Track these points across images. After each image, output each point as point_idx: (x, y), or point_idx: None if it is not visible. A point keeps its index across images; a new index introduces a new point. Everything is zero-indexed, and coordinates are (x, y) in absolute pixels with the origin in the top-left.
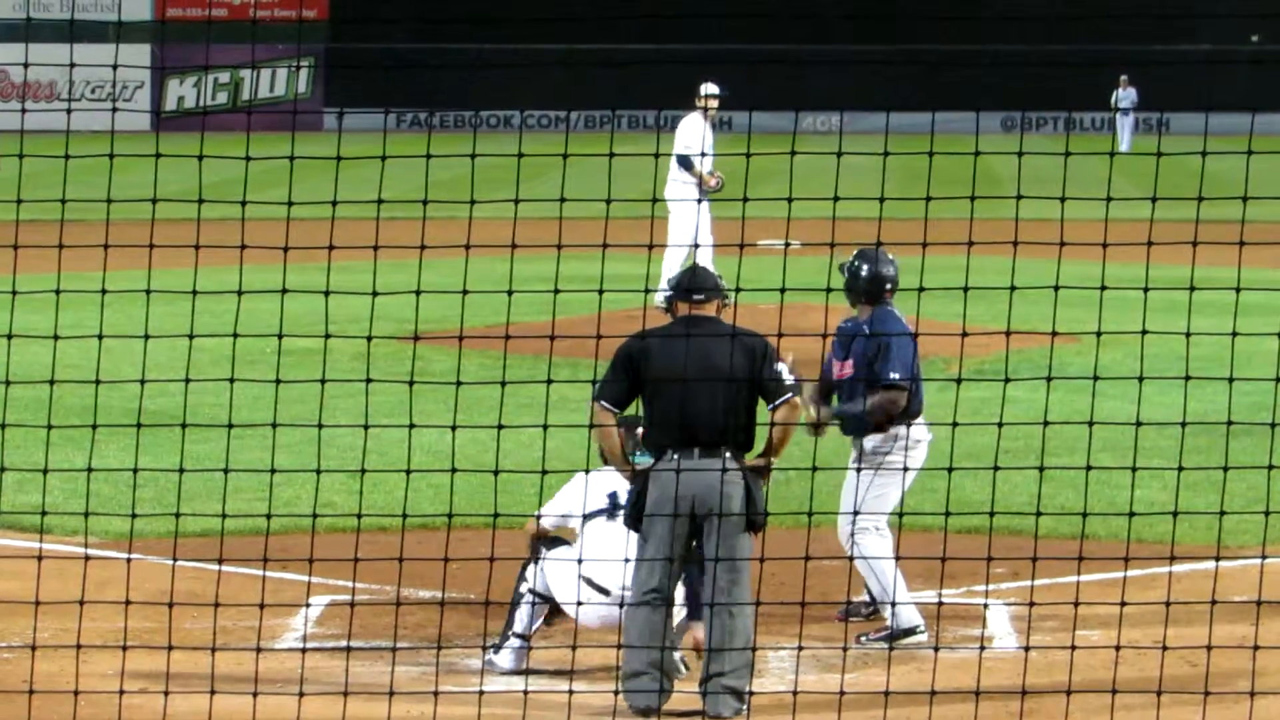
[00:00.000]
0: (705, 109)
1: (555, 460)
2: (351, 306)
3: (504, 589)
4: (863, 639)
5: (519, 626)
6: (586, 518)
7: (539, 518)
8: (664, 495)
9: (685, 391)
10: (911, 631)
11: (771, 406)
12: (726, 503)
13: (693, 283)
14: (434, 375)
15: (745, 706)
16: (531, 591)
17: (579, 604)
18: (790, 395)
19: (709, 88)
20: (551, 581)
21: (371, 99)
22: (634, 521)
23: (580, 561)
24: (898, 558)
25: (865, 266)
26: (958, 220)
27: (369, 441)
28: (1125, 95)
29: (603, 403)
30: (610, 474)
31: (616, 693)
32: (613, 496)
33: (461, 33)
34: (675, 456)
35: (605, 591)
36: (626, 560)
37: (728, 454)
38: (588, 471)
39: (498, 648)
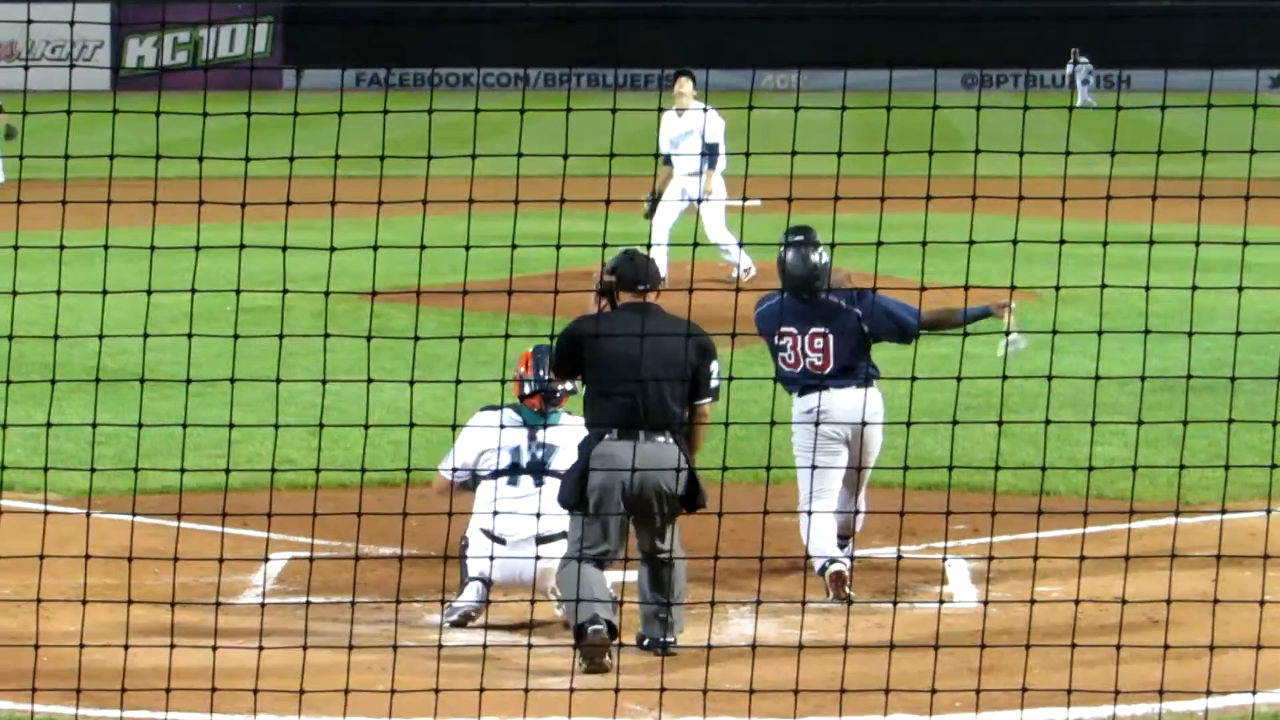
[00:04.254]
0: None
1: None
2: (310, 263)
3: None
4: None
5: (474, 571)
6: (494, 474)
7: (451, 471)
8: (609, 472)
9: (632, 376)
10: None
11: (699, 402)
12: (668, 485)
13: (637, 274)
14: (393, 332)
15: (674, 639)
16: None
17: (491, 559)
18: (714, 397)
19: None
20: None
21: (330, 57)
22: (577, 497)
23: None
24: (853, 511)
25: (815, 256)
26: (917, 177)
27: (328, 398)
28: (1079, 66)
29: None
30: (508, 417)
31: (575, 647)
32: (515, 452)
33: None
34: (618, 437)
35: (501, 541)
36: (538, 515)
37: (669, 437)
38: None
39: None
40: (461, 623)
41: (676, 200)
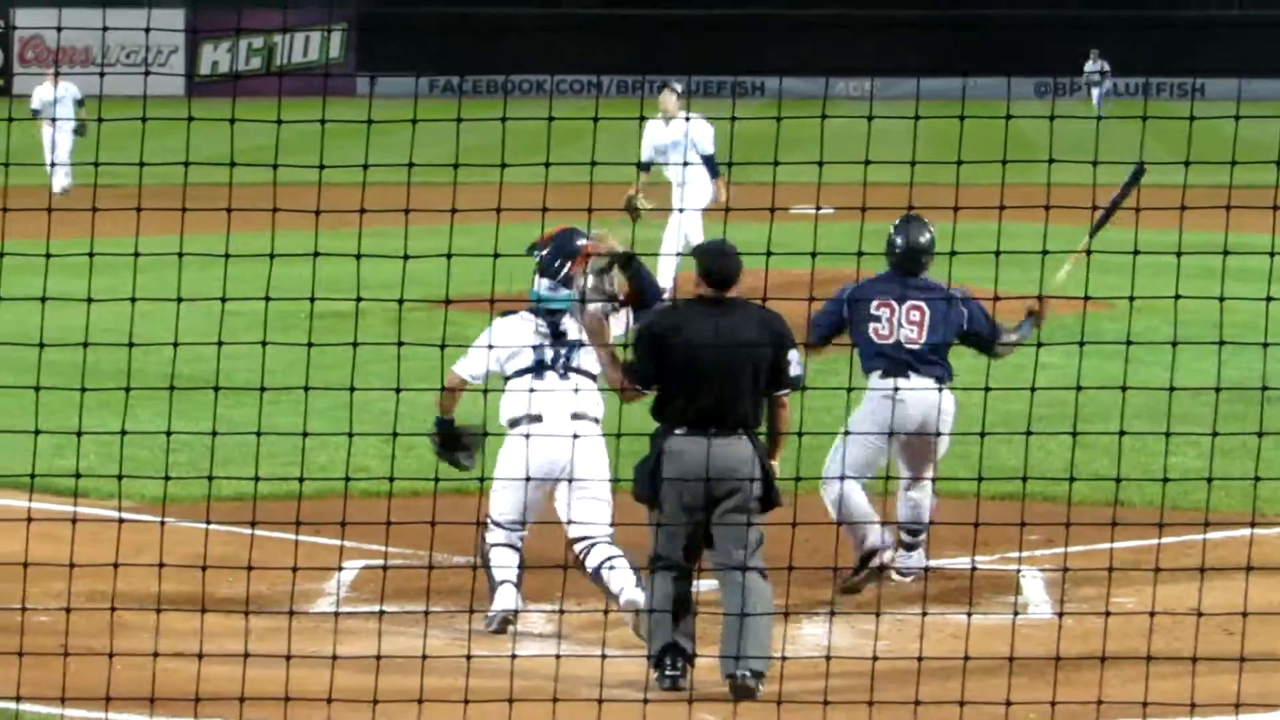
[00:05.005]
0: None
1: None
2: (384, 271)
3: (535, 554)
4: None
5: (499, 576)
6: (519, 373)
7: (470, 376)
8: (681, 469)
9: (708, 375)
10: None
11: (779, 393)
12: (742, 484)
13: (722, 271)
14: (466, 340)
15: (762, 684)
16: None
17: (527, 437)
18: (794, 388)
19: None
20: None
21: (404, 64)
22: (650, 492)
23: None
24: (931, 523)
25: (926, 234)
26: (989, 186)
27: (401, 405)
28: (1095, 67)
29: (632, 384)
30: (526, 320)
31: (649, 658)
32: (538, 350)
33: None
34: (686, 435)
35: (539, 419)
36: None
37: (743, 435)
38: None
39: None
40: (501, 629)
41: (677, 211)
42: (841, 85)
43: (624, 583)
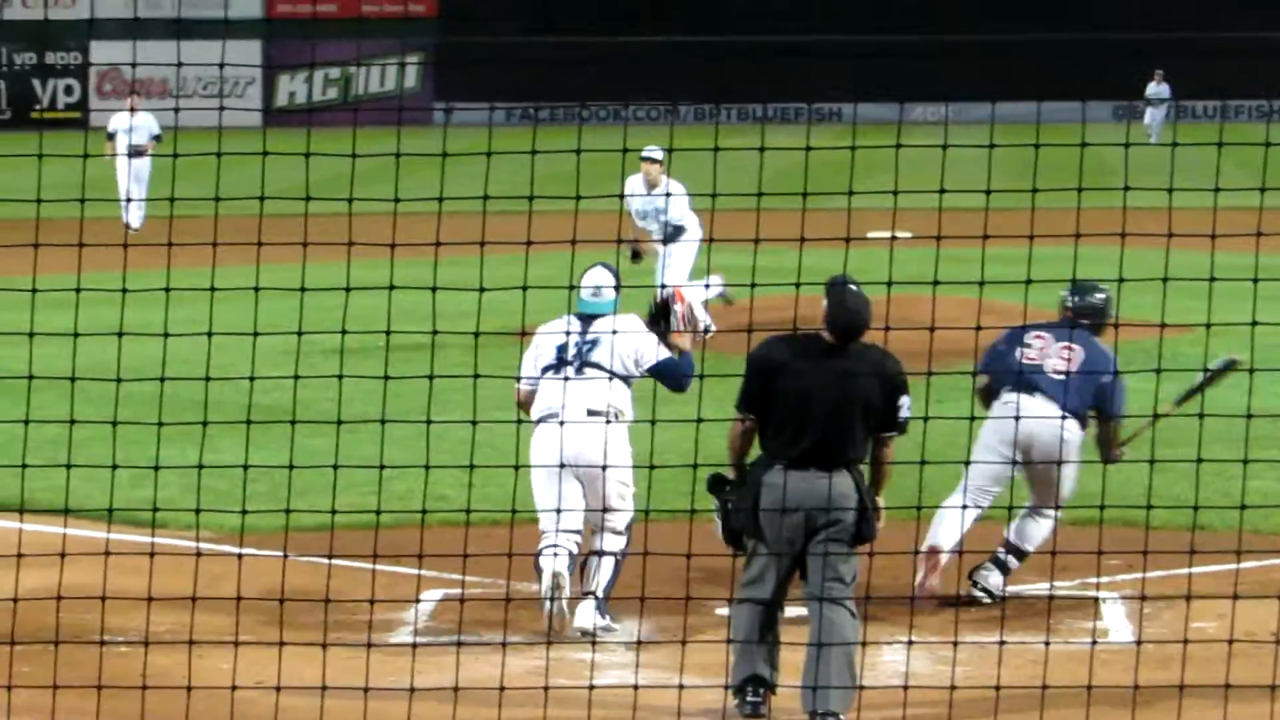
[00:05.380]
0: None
1: (668, 453)
2: (460, 300)
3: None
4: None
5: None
6: (543, 371)
7: (525, 382)
8: (776, 501)
9: (816, 415)
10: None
11: (883, 436)
12: (840, 518)
13: (850, 328)
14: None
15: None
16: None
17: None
18: (901, 431)
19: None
20: None
21: (479, 94)
22: (750, 525)
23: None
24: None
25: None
26: (1065, 210)
27: (479, 435)
28: (1158, 90)
29: (744, 414)
30: (561, 322)
31: (730, 687)
32: (560, 349)
33: (568, 25)
34: (788, 469)
35: (557, 418)
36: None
37: (844, 472)
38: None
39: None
40: (553, 595)
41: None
42: (919, 110)
43: (587, 607)
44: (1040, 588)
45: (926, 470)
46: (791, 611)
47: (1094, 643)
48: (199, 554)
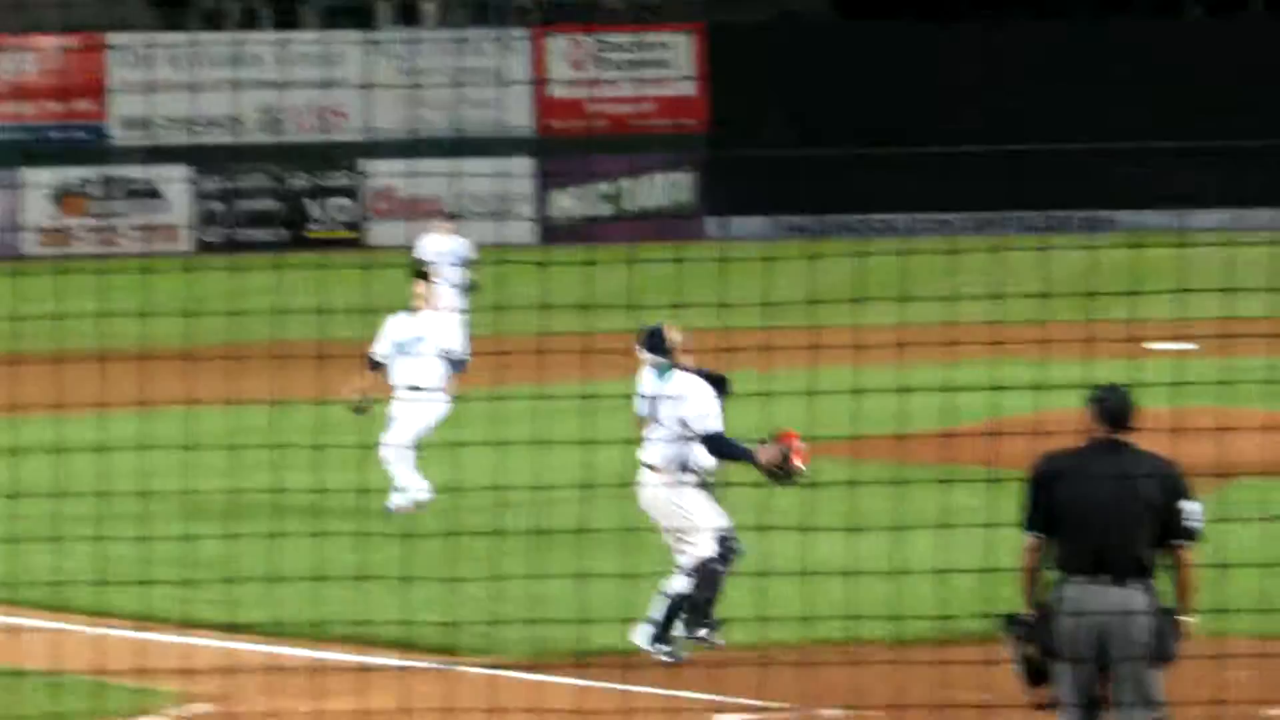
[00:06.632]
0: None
1: (962, 557)
2: (742, 414)
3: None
4: None
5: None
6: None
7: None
8: (1074, 617)
9: (1098, 519)
10: None
11: (1174, 542)
12: (1136, 634)
13: (1118, 410)
14: (834, 478)
15: None
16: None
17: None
18: (1191, 539)
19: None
20: None
21: (753, 205)
22: (1052, 641)
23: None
24: None
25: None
26: None
27: (767, 546)
28: None
29: (1030, 532)
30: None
31: None
32: (640, 401)
33: (840, 137)
34: (1078, 580)
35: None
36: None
37: (1137, 584)
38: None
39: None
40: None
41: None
42: (1199, 217)
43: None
44: None
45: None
46: None
47: None
48: (495, 676)
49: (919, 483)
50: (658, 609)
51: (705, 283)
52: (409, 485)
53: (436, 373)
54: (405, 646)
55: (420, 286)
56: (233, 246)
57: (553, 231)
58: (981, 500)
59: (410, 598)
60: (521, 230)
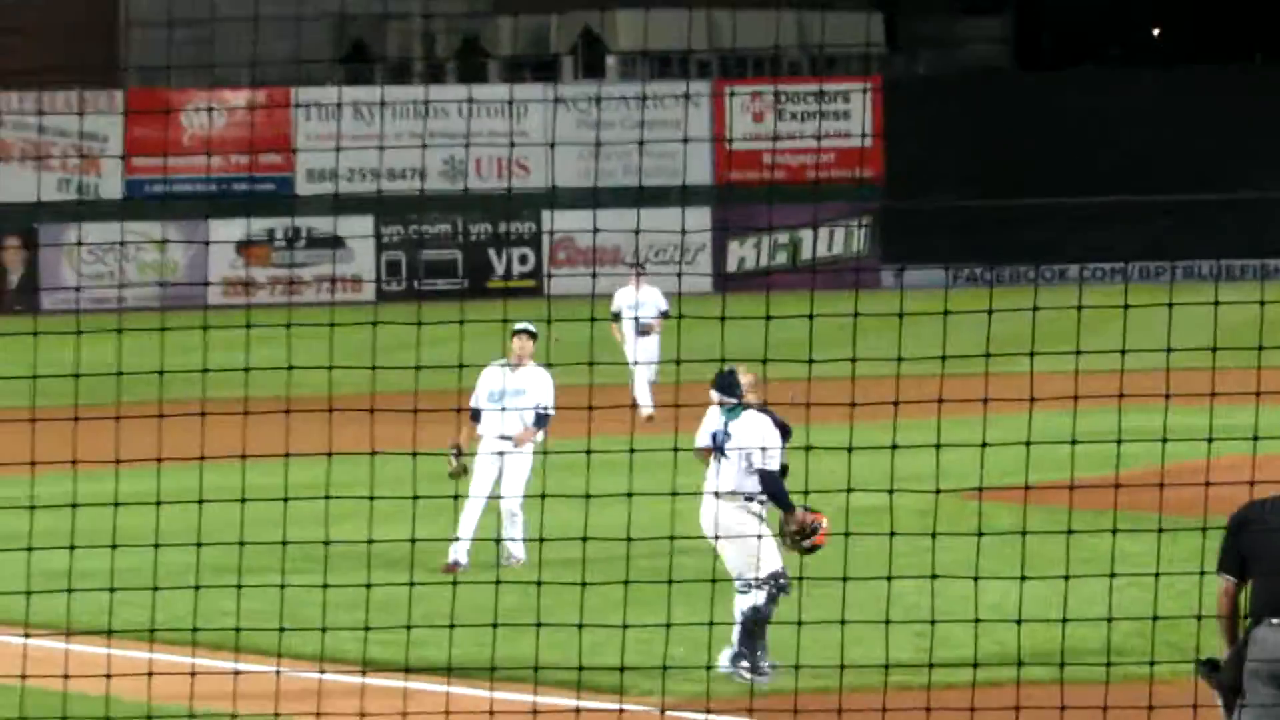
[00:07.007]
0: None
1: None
2: (915, 463)
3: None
4: None
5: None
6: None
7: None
8: (1264, 656)
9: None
10: None
11: None
12: None
13: None
14: (995, 528)
15: None
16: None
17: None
18: None
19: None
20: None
21: (929, 255)
22: (1236, 682)
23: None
24: None
25: None
26: None
27: (935, 597)
28: None
29: (1223, 575)
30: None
31: None
32: (713, 435)
33: (1012, 188)
34: (1268, 623)
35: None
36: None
37: None
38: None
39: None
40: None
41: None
42: None
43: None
44: None
45: None
46: None
47: None
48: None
49: (1087, 533)
50: (735, 633)
51: (881, 333)
52: (464, 536)
53: (528, 426)
54: (577, 687)
55: (518, 341)
56: (414, 295)
57: (728, 280)
58: (1148, 546)
59: (582, 641)
60: (699, 280)
